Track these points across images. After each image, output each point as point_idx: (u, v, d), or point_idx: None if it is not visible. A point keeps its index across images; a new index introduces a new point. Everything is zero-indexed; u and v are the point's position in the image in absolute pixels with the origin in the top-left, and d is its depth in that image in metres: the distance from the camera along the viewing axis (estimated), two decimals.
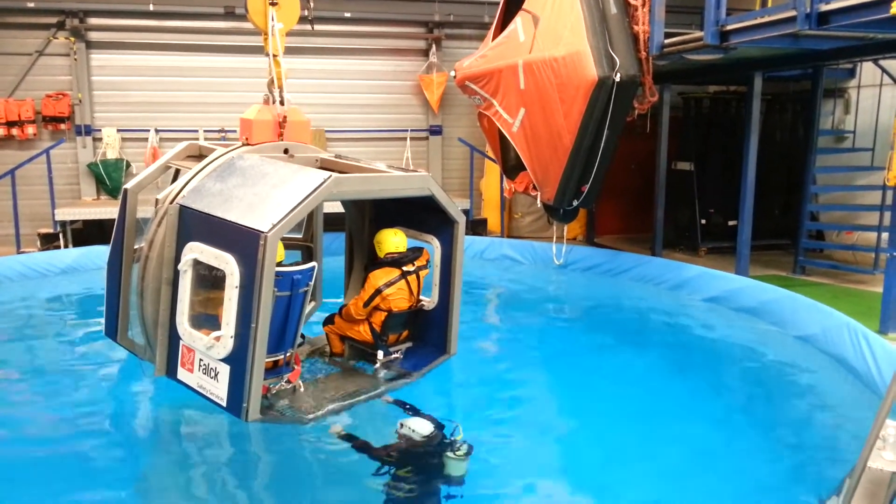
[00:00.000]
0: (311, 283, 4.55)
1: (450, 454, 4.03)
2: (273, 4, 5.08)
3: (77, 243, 10.79)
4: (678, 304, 8.41)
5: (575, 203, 8.73)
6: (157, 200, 4.78)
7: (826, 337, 6.47)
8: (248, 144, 5.03)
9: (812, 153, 9.47)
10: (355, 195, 5.09)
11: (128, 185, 5.16)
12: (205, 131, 12.37)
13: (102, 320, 5.42)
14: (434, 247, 5.36)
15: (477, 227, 12.37)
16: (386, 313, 5.19)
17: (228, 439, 4.51)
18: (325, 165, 5.10)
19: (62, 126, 11.86)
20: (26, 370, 6.06)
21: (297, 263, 4.83)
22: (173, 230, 4.56)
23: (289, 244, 5.53)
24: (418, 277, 5.29)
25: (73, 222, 11.01)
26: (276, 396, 4.61)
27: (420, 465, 4.10)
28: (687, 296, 8.59)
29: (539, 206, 9.44)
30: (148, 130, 12.19)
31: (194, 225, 4.47)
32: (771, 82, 10.31)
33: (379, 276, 5.14)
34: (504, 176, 10.32)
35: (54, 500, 3.92)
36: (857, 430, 4.64)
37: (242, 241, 4.10)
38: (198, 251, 4.34)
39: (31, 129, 11.72)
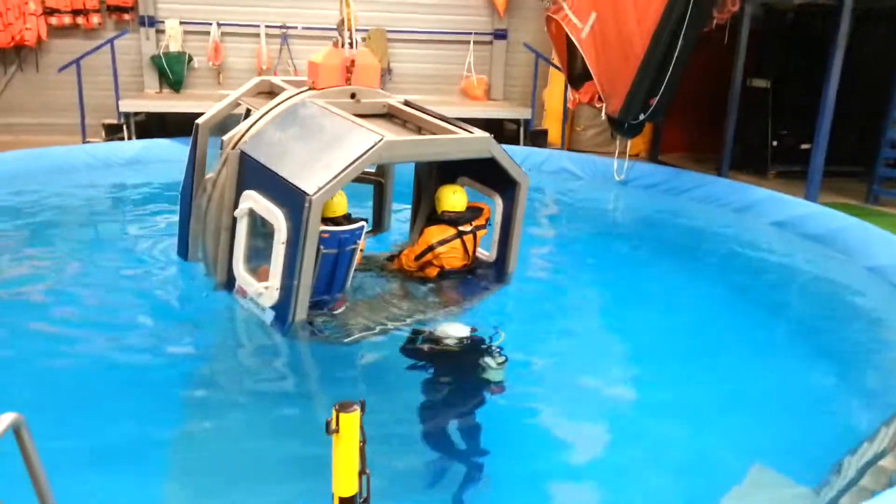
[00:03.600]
0: (360, 241, 4.53)
1: (488, 360, 4.02)
2: None
3: (140, 135, 10.94)
4: (742, 227, 8.16)
5: (641, 117, 8.41)
6: (222, 142, 4.77)
7: None
8: (314, 88, 4.93)
9: None
10: (408, 158, 4.96)
11: (199, 121, 5.13)
12: (266, 26, 12.23)
13: (161, 215, 5.47)
14: (496, 203, 5.20)
15: (537, 138, 12.10)
16: (439, 269, 5.12)
17: (269, 346, 4.58)
18: (391, 111, 5.03)
19: (126, 16, 11.85)
20: (85, 261, 6.21)
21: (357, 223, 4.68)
22: (233, 176, 4.59)
23: (360, 178, 5.44)
24: (475, 237, 5.15)
25: (136, 114, 11.13)
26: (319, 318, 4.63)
27: (456, 368, 4.10)
28: (752, 219, 8.31)
29: (603, 118, 9.13)
30: (210, 24, 12.09)
31: (252, 173, 4.48)
32: None
33: (434, 233, 5.03)
34: (569, 85, 9.97)
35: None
36: None
37: (290, 199, 4.10)
38: (252, 201, 4.37)
39: (95, 19, 11.75)
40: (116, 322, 4.82)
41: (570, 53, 9.27)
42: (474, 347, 4.21)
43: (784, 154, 10.73)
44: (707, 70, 11.19)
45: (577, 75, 9.39)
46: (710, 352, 4.94)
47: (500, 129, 12.92)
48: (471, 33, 12.88)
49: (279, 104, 4.82)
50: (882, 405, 4.20)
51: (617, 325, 5.45)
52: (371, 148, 4.12)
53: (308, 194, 3.98)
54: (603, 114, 8.90)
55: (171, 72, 12.05)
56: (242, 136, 4.68)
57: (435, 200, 5.14)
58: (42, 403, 3.73)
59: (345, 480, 2.37)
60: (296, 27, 12.22)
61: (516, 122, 12.12)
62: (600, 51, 8.36)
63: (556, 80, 12.21)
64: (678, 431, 3.93)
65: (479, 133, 4.70)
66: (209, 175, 4.87)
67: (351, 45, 4.95)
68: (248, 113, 5.13)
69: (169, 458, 3.51)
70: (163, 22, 12.03)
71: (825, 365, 4.90)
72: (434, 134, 4.68)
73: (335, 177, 4.05)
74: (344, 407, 2.31)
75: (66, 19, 11.63)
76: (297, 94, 4.90)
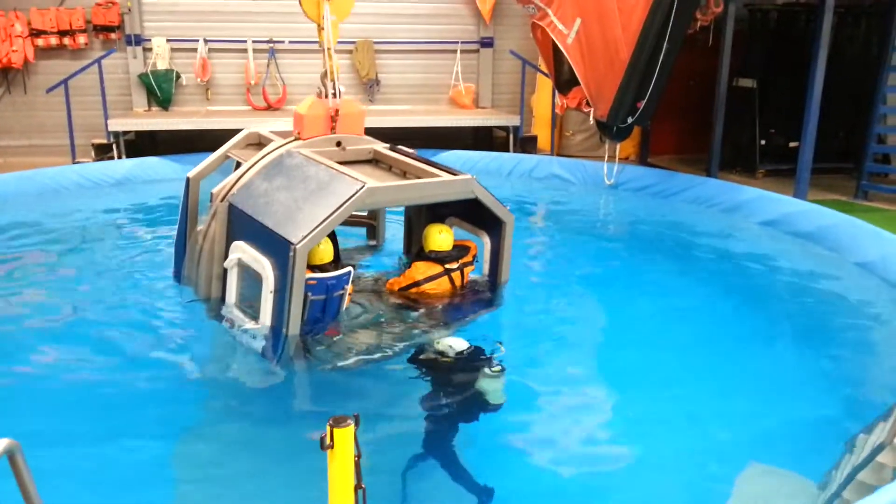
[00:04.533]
0: (348, 286, 4.59)
1: (485, 369, 4.03)
2: None
3: (130, 154, 10.93)
4: (732, 226, 8.20)
5: (629, 120, 8.46)
6: (212, 195, 4.93)
7: (885, 264, 6.26)
8: (300, 138, 5.07)
9: (884, 71, 8.95)
10: (392, 203, 5.11)
11: (189, 174, 5.33)
12: (253, 41, 12.27)
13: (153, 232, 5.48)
14: (484, 242, 5.26)
15: (526, 144, 12.14)
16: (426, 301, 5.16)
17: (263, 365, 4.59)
18: (377, 157, 5.18)
19: (112, 36, 11.87)
20: (79, 279, 6.20)
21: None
22: (222, 227, 4.74)
23: (352, 221, 5.61)
24: (462, 273, 5.21)
25: (125, 133, 11.13)
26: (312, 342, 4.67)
27: (454, 380, 4.12)
28: (742, 219, 8.35)
29: (592, 123, 9.18)
30: (197, 41, 12.11)
31: (240, 224, 4.62)
32: None
33: (420, 269, 5.07)
34: (557, 91, 10.02)
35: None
36: None
37: (276, 248, 4.22)
38: (241, 251, 4.49)
39: (82, 39, 11.76)
40: (110, 343, 4.81)
41: (557, 59, 9.33)
42: (472, 360, 4.22)
43: (772, 153, 10.79)
44: (693, 71, 11.28)
45: (565, 81, 9.44)
46: (704, 350, 4.96)
47: (490, 137, 12.97)
48: (457, 42, 12.94)
49: (266, 155, 4.97)
50: (877, 399, 4.23)
51: (611, 328, 5.47)
52: (353, 195, 4.25)
53: (292, 243, 4.10)
54: (591, 118, 8.94)
55: (160, 89, 12.06)
56: (231, 188, 4.84)
57: (423, 239, 5.22)
58: (36, 428, 3.71)
59: (340, 495, 2.37)
60: (283, 41, 12.25)
61: (505, 128, 12.17)
62: (586, 56, 8.41)
63: (544, 86, 12.26)
64: (675, 430, 3.96)
65: (461, 175, 4.79)
66: (200, 227, 5.04)
67: (335, 94, 5.10)
68: (238, 164, 5.30)
69: (166, 483, 3.50)
70: (149, 40, 12.04)
71: (819, 361, 4.92)
72: (418, 177, 4.80)
73: (318, 225, 4.17)
74: (338, 422, 2.32)
75: (53, 40, 11.63)
76: (284, 144, 5.04)
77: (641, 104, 8.21)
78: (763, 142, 10.78)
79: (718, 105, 10.30)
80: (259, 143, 5.46)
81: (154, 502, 3.35)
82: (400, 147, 5.28)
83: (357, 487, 2.40)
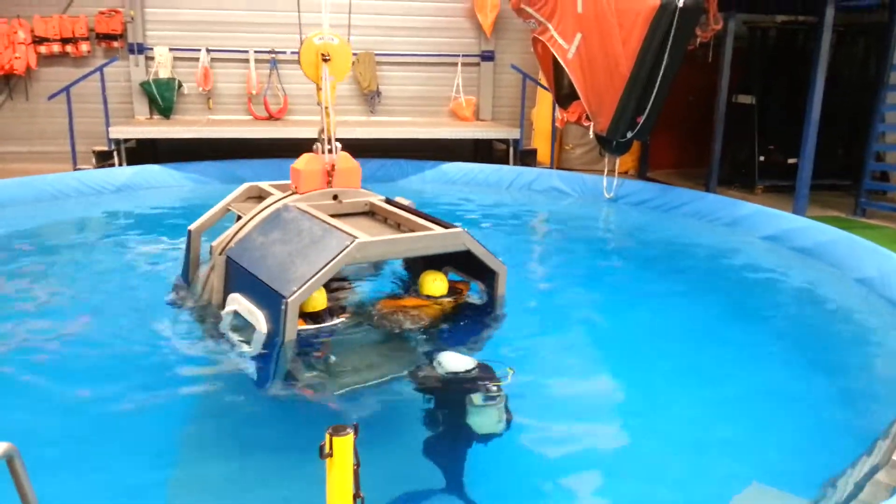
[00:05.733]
0: (332, 335, 4.72)
1: (472, 396, 3.90)
2: (326, 60, 5.27)
3: (130, 161, 10.95)
4: (731, 242, 8.21)
5: (629, 135, 8.49)
6: (211, 247, 5.14)
7: (884, 281, 6.27)
8: (298, 192, 5.29)
9: (883, 89, 9.00)
10: (384, 257, 5.25)
11: (191, 227, 5.55)
12: (255, 51, 12.32)
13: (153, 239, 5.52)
14: (480, 288, 5.39)
15: (526, 157, 12.18)
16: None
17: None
18: (373, 209, 5.38)
19: (115, 44, 11.92)
20: (78, 285, 6.20)
21: None
22: (220, 280, 4.97)
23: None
24: (455, 303, 5.33)
25: (126, 141, 11.15)
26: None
27: (454, 399, 4.04)
28: (741, 234, 8.37)
29: (591, 137, 9.21)
30: (199, 50, 12.16)
31: (237, 277, 4.82)
32: (843, 13, 9.72)
33: (413, 301, 5.22)
34: (557, 105, 10.07)
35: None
36: None
37: (269, 301, 4.38)
38: (237, 303, 4.67)
39: (84, 47, 11.81)
40: (107, 350, 4.80)
41: (557, 74, 9.37)
42: (471, 381, 4.14)
43: (771, 169, 10.82)
44: (693, 87, 11.34)
45: (565, 95, 9.48)
46: (703, 366, 4.95)
47: (490, 150, 13.00)
48: (458, 55, 13.00)
49: (264, 209, 5.18)
50: (877, 417, 4.21)
51: (611, 342, 5.46)
52: (344, 249, 4.38)
53: (284, 297, 4.25)
54: (591, 132, 8.97)
55: (161, 98, 12.10)
56: (229, 241, 5.04)
57: (419, 285, 5.33)
58: (37, 435, 3.71)
59: None
60: (284, 52, 12.31)
61: (505, 141, 12.20)
62: (586, 71, 8.45)
63: (544, 99, 12.31)
64: (674, 446, 3.93)
65: (453, 228, 4.91)
66: (201, 272, 5.31)
67: (331, 151, 5.34)
68: (238, 218, 5.50)
69: (160, 489, 3.48)
70: (152, 49, 12.09)
71: (818, 378, 4.91)
72: (412, 230, 4.94)
73: (309, 279, 4.32)
74: (337, 430, 2.32)
75: (56, 48, 11.69)
76: (282, 198, 5.25)
77: (641, 119, 8.24)
78: (762, 158, 10.81)
79: (718, 121, 10.34)
80: (259, 195, 5.67)
81: None
82: (395, 200, 5.49)
83: (356, 496, 2.40)
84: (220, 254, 4.99)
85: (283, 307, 4.23)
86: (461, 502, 3.38)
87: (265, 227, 4.99)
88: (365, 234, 4.59)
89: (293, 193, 5.31)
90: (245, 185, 5.79)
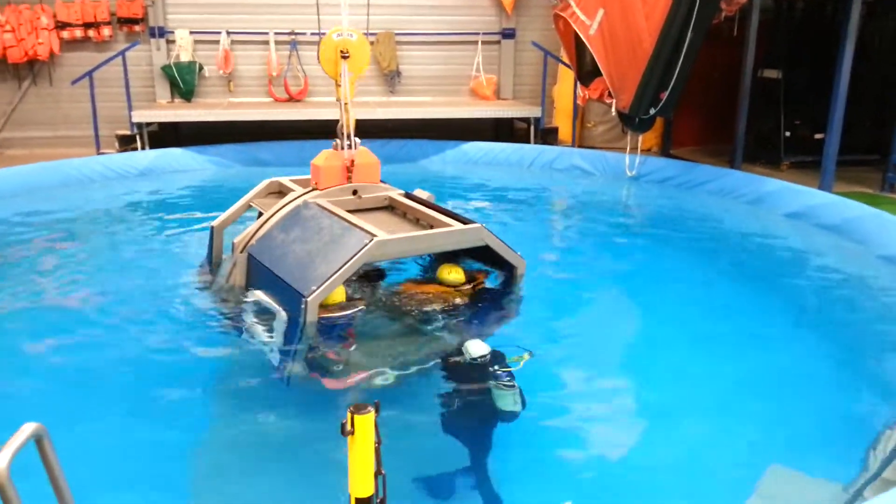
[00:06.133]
0: (354, 321, 4.73)
1: (492, 382, 3.97)
2: (345, 57, 5.26)
3: (153, 145, 11.04)
4: (756, 219, 8.11)
5: (652, 111, 8.39)
6: (233, 245, 5.18)
7: None
8: (317, 189, 5.32)
9: None
10: (403, 254, 5.16)
11: (213, 223, 5.62)
12: (275, 33, 12.31)
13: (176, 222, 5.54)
14: (498, 278, 5.36)
15: (548, 136, 12.09)
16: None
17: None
18: (392, 204, 5.39)
19: (136, 28, 11.97)
20: (101, 267, 6.28)
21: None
22: (242, 277, 5.02)
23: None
24: (474, 289, 5.28)
25: (149, 124, 11.23)
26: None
27: (473, 383, 4.10)
28: (766, 211, 8.26)
29: (613, 114, 9.12)
30: (220, 33, 12.18)
31: (258, 274, 4.87)
32: None
33: (430, 288, 5.20)
34: (578, 82, 9.96)
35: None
36: None
37: (290, 299, 4.42)
38: (258, 299, 4.71)
39: (106, 31, 11.87)
40: (128, 333, 4.86)
41: (579, 50, 9.27)
42: (486, 366, 4.19)
43: (797, 144, 10.64)
44: (717, 62, 11.15)
45: (587, 72, 9.38)
46: (726, 345, 4.90)
47: (511, 128, 12.93)
48: (479, 33, 12.89)
49: (285, 205, 5.21)
50: None
51: (633, 321, 5.44)
52: (363, 248, 4.40)
53: (304, 296, 4.28)
54: (613, 110, 8.87)
55: (183, 81, 12.15)
56: (251, 239, 5.08)
57: (437, 274, 5.35)
58: (64, 414, 3.77)
59: (361, 481, 2.39)
60: (304, 33, 12.28)
61: (526, 120, 12.12)
62: (609, 47, 8.34)
63: (566, 77, 12.19)
64: (695, 429, 3.90)
65: (472, 224, 4.88)
66: (223, 268, 5.38)
67: (350, 146, 5.35)
68: (260, 214, 5.52)
69: (182, 472, 3.53)
70: (173, 32, 12.14)
71: (842, 355, 4.84)
72: (430, 225, 4.97)
73: (329, 278, 4.35)
74: (359, 408, 2.34)
75: (78, 32, 11.76)
76: (303, 194, 5.28)
77: (664, 95, 8.13)
78: (788, 133, 10.64)
79: (743, 96, 10.17)
80: (280, 191, 5.71)
81: (172, 490, 3.38)
82: (414, 194, 5.46)
83: (377, 474, 2.41)
84: (242, 251, 5.05)
85: (302, 306, 4.28)
86: (482, 480, 3.40)
87: (285, 225, 5.03)
88: (384, 230, 4.61)
89: (313, 189, 5.34)
90: (266, 181, 5.83)
